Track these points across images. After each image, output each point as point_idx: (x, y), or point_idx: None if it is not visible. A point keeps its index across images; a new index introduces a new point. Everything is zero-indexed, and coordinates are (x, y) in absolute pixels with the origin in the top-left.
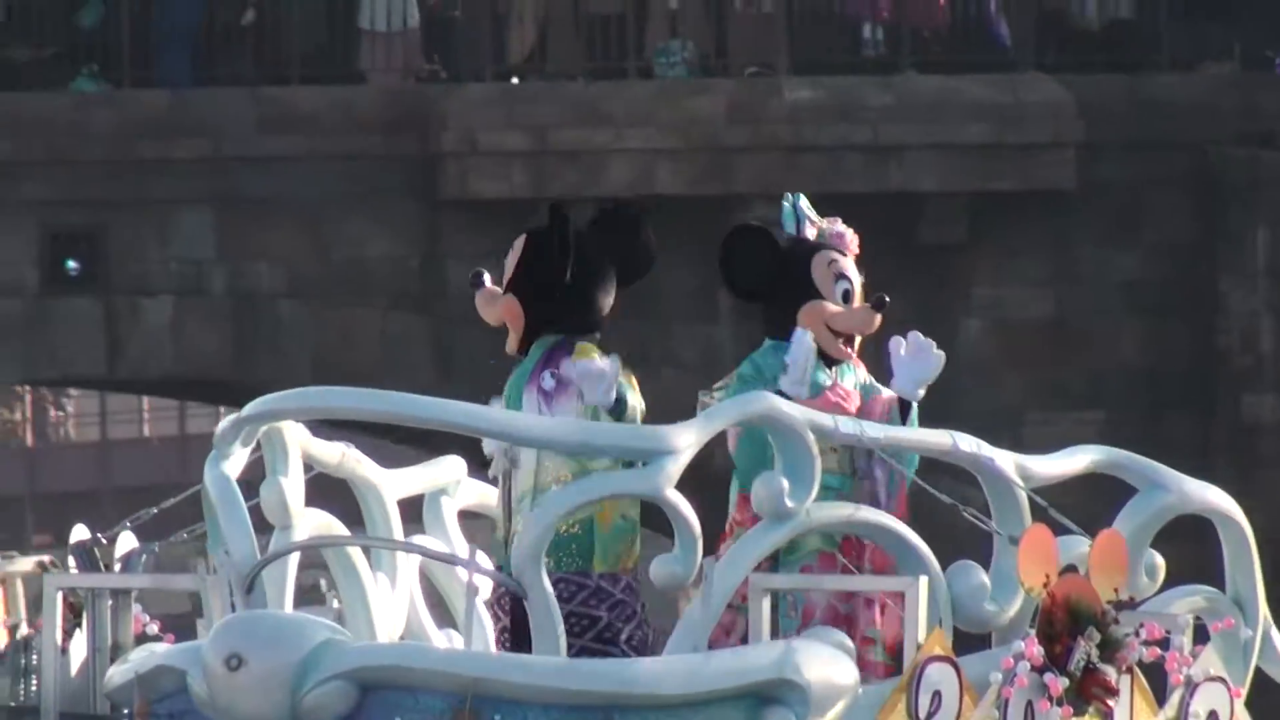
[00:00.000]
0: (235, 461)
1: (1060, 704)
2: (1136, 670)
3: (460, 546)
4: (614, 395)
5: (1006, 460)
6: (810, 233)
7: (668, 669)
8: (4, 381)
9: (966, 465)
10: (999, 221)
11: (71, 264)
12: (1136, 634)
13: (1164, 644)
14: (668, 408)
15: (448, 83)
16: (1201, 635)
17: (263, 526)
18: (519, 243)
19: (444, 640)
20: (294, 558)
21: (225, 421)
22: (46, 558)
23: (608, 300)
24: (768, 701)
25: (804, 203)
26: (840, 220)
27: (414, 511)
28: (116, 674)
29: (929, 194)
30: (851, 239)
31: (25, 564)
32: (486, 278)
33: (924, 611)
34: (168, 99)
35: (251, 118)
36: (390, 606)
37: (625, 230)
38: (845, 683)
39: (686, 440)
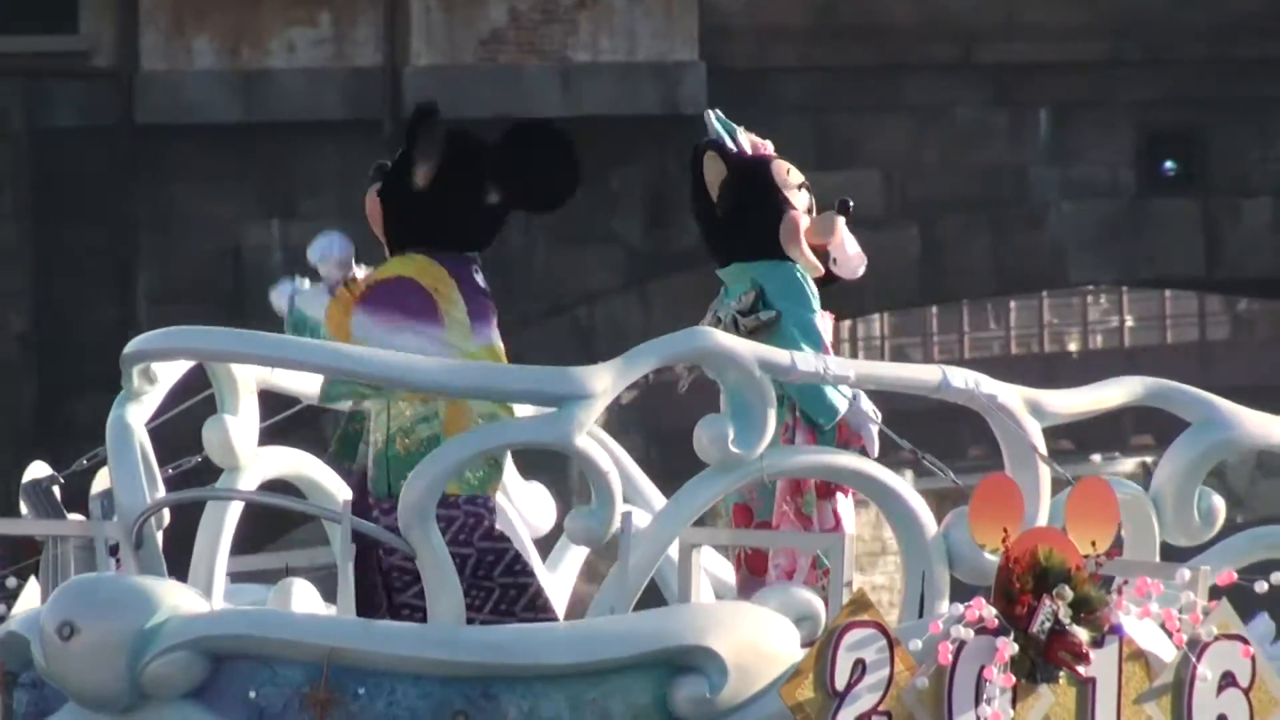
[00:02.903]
0: (145, 401)
1: (1009, 670)
2: (1128, 632)
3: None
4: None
5: (1011, 395)
6: (746, 145)
7: (556, 635)
8: (1102, 282)
9: (962, 402)
10: None
11: (1169, 165)
12: (1120, 591)
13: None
14: None
15: None
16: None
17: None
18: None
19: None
20: (234, 511)
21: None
22: None
23: (483, 220)
24: (680, 671)
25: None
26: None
27: None
28: None
29: None
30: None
31: None
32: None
33: (849, 569)
34: None
35: None
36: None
37: (538, 148)
38: (780, 650)
39: (602, 383)
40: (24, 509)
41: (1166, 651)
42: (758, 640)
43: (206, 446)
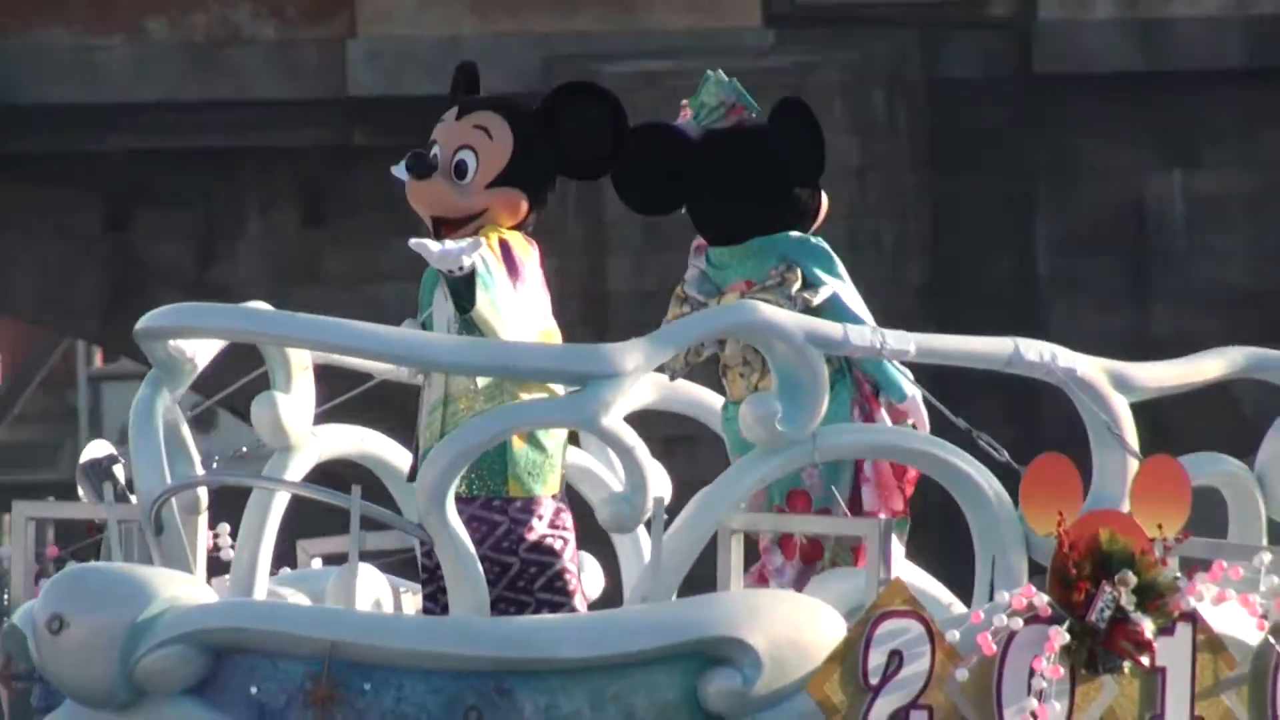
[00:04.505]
0: (177, 379)
1: (1058, 660)
2: (1203, 619)
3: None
4: (465, 261)
5: (1093, 368)
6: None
7: (575, 626)
8: None
9: (1038, 376)
10: None
11: None
12: (1191, 577)
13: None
14: None
15: None
16: None
17: None
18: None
19: None
20: (280, 495)
21: None
22: None
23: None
24: (712, 663)
25: None
26: None
27: None
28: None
29: None
30: None
31: None
32: None
33: (895, 557)
34: None
35: None
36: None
37: (579, 109)
38: (823, 641)
39: (632, 361)
40: (80, 491)
41: (1248, 639)
42: (797, 631)
43: (255, 425)
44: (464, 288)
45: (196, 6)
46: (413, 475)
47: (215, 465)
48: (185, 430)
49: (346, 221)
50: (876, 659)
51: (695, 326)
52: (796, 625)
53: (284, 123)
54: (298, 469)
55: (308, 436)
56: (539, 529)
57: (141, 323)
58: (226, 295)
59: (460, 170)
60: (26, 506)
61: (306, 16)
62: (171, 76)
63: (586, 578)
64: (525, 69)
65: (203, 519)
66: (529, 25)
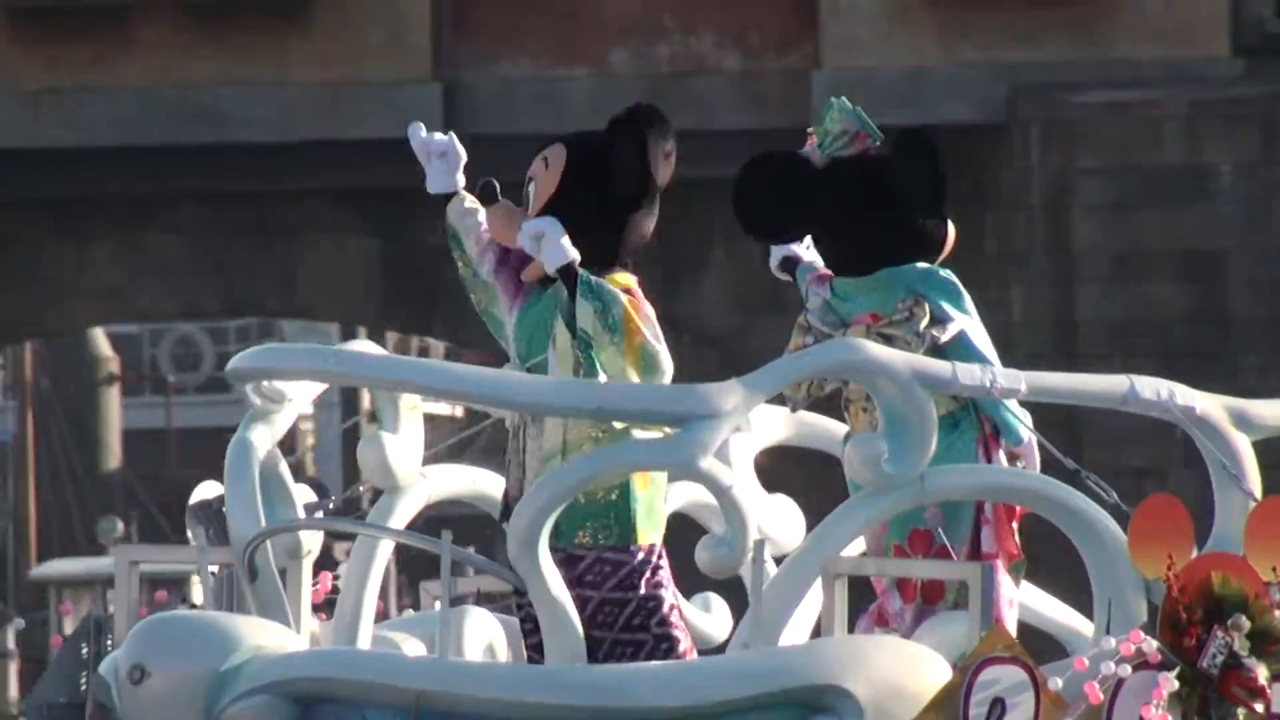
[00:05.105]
0: (275, 421)
1: (1166, 708)
2: None
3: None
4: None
5: (1213, 406)
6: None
7: (668, 675)
8: None
9: (1155, 414)
10: None
11: None
12: None
13: None
14: None
15: None
16: None
17: None
18: (557, 154)
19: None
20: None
21: None
22: None
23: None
24: (811, 712)
25: None
26: None
27: None
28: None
29: None
30: None
31: None
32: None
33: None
34: None
35: None
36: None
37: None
38: (929, 689)
39: (732, 402)
40: (189, 534)
41: None
42: (901, 678)
43: (362, 467)
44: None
45: (659, 38)
46: (505, 515)
47: (339, 501)
48: (285, 472)
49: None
50: (978, 708)
51: (798, 367)
52: (900, 672)
53: (747, 153)
54: (405, 510)
55: (416, 477)
56: (656, 570)
57: (232, 363)
58: (695, 324)
59: (526, 200)
60: (130, 550)
61: (769, 47)
62: None
63: (713, 619)
64: (991, 99)
65: (308, 562)
66: (995, 55)
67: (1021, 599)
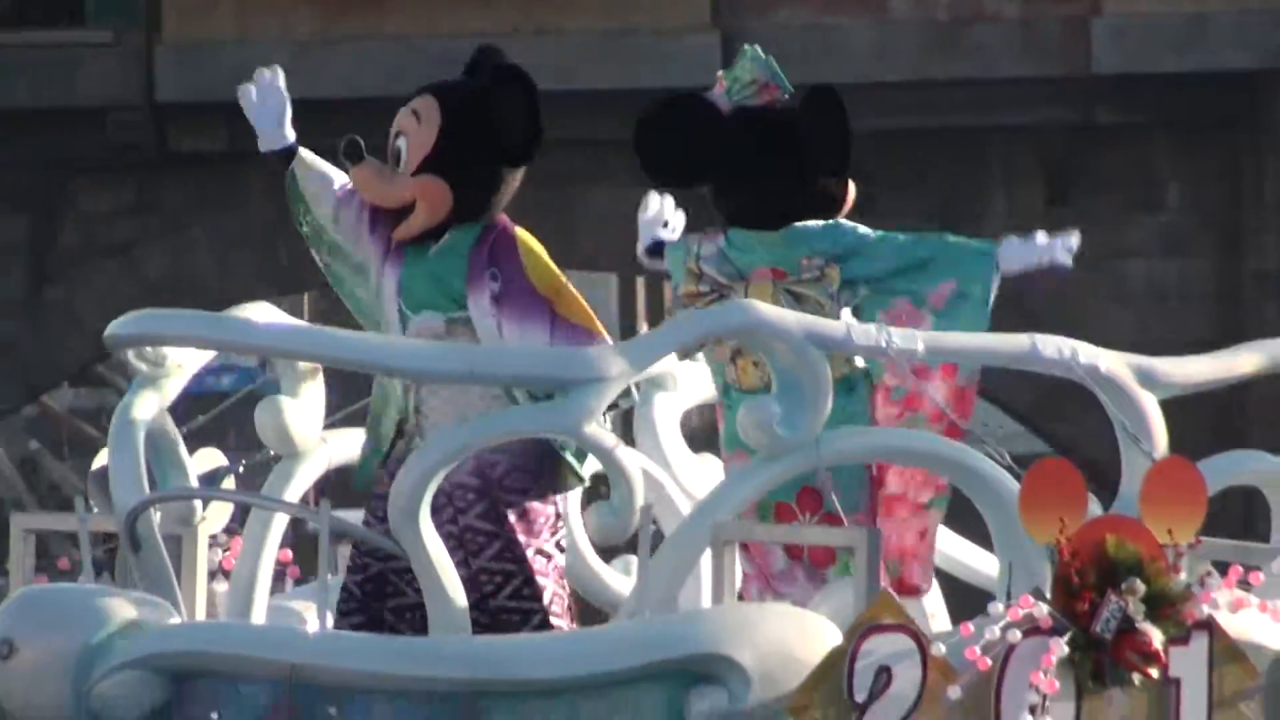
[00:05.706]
0: (165, 387)
1: (1055, 674)
2: (1221, 627)
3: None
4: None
5: (1117, 364)
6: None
7: (552, 646)
8: None
9: (1058, 374)
10: None
11: None
12: (1203, 582)
13: None
14: None
15: None
16: None
17: None
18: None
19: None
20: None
21: None
22: None
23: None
24: (697, 681)
25: None
26: None
27: None
28: None
29: None
30: None
31: None
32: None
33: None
34: None
35: None
36: None
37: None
38: (817, 656)
39: (617, 366)
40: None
41: (1271, 646)
42: (789, 646)
43: (259, 431)
44: None
45: None
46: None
47: (242, 466)
48: (177, 438)
49: (1090, 200)
50: (863, 675)
51: (689, 330)
52: (788, 640)
53: (1026, 101)
54: (305, 477)
55: (317, 442)
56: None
57: (110, 328)
58: None
59: (396, 157)
60: (23, 519)
61: None
62: (914, 56)
63: (630, 584)
64: (1275, 45)
65: (203, 529)
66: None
67: (951, 551)
